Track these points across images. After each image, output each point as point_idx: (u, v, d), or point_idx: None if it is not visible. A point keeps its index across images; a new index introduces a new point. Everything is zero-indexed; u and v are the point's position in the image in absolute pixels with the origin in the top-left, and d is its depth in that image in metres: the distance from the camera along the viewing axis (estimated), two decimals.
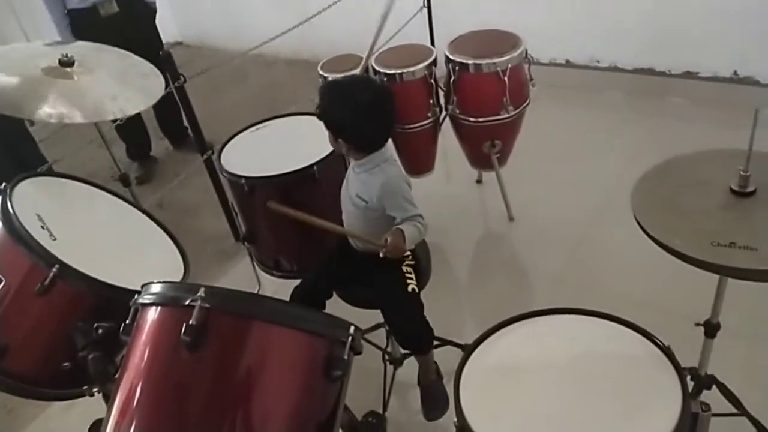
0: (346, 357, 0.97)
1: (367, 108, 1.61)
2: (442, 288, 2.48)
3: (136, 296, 0.99)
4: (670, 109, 3.30)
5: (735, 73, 3.17)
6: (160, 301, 0.95)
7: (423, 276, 1.87)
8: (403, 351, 2.06)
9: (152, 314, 0.96)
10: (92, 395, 1.25)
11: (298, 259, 2.32)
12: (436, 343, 2.06)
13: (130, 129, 3.37)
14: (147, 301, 0.96)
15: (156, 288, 0.96)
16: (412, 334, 1.76)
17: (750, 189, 1.25)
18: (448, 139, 2.76)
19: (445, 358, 2.04)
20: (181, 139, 3.71)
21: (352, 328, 0.99)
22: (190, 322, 0.87)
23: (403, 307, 1.73)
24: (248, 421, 0.90)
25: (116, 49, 1.84)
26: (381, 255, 1.58)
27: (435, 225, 2.77)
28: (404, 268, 1.78)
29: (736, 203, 1.25)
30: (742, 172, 1.24)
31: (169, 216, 3.02)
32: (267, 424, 0.91)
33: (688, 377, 1.53)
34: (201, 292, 0.89)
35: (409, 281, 1.75)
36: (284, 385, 0.94)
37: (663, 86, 3.36)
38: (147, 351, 0.93)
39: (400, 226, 1.63)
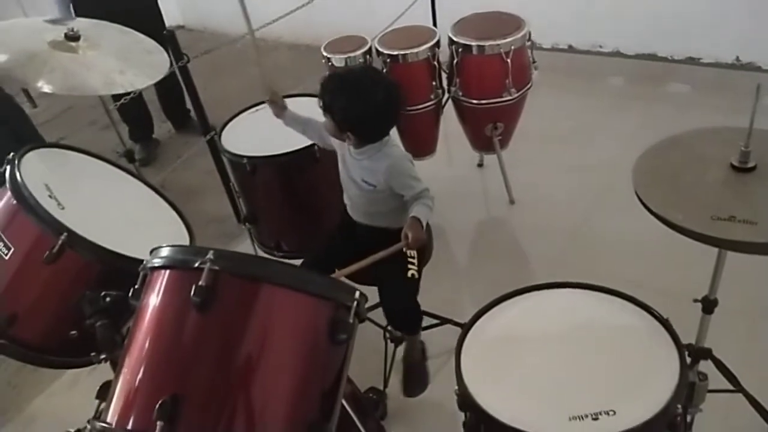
0: (351, 321, 0.99)
1: (380, 105, 1.62)
2: (443, 269, 2.50)
3: (145, 261, 1.00)
4: (672, 94, 3.31)
5: (737, 59, 3.18)
6: (170, 264, 0.96)
7: (424, 259, 1.89)
8: None
9: (162, 277, 0.97)
10: (100, 362, 1.27)
11: (299, 240, 2.35)
12: (435, 321, 2.10)
13: (133, 111, 3.36)
14: (157, 264, 0.97)
15: (165, 251, 0.98)
16: (403, 316, 1.81)
17: (750, 165, 1.26)
18: (449, 122, 2.77)
19: (444, 336, 2.07)
20: (183, 122, 3.72)
21: (357, 293, 1.01)
22: (200, 283, 0.89)
23: (399, 291, 1.76)
24: (256, 380, 0.92)
25: (118, 25, 1.85)
26: (405, 251, 1.61)
27: (436, 208, 2.79)
28: (408, 252, 1.80)
29: (737, 179, 1.26)
30: (742, 148, 1.26)
31: (172, 197, 3.03)
32: (274, 383, 0.93)
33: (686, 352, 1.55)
34: (210, 255, 0.91)
35: (410, 266, 1.77)
36: (291, 346, 0.95)
37: (665, 72, 3.37)
38: (157, 313, 0.95)
39: (413, 214, 1.63)
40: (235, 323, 0.92)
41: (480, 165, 3.04)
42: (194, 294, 0.89)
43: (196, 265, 0.91)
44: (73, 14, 3.05)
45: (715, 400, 1.70)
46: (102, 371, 1.76)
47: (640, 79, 3.42)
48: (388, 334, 2.11)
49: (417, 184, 1.70)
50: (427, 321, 2.05)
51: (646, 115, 3.11)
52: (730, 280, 1.58)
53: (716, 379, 1.68)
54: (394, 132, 2.50)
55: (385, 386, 2.03)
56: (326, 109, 1.65)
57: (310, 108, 2.32)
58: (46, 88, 1.52)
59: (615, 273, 2.30)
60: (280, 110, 1.94)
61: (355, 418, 1.38)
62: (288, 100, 2.41)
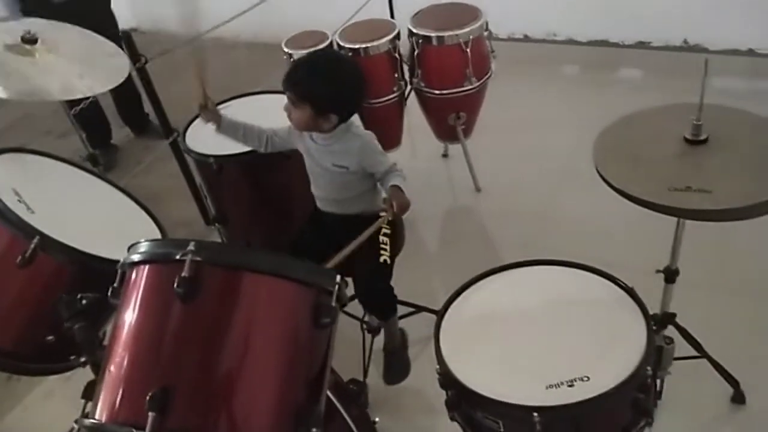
0: (333, 305, 1.01)
1: (354, 78, 1.68)
2: (414, 259, 2.52)
3: (123, 258, 1.00)
4: (625, 78, 3.42)
5: (685, 41, 3.31)
6: (151, 258, 0.96)
7: (397, 246, 1.92)
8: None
9: (143, 272, 0.97)
10: (80, 366, 1.26)
11: (270, 238, 2.34)
12: (410, 310, 2.13)
13: (89, 117, 3.29)
14: (136, 260, 0.97)
15: (144, 247, 0.98)
16: (377, 302, 1.85)
17: (702, 137, 1.33)
18: (413, 114, 2.81)
19: (420, 324, 2.10)
20: (142, 126, 3.66)
21: (338, 277, 1.03)
22: (183, 275, 0.89)
23: (372, 277, 1.79)
24: (243, 367, 0.93)
25: (78, 28, 1.81)
26: (390, 218, 1.62)
27: None
28: (381, 238, 1.83)
29: (691, 151, 1.33)
30: (694, 122, 1.32)
31: None
32: (261, 369, 0.94)
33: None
34: (191, 246, 0.91)
35: (383, 252, 1.80)
36: (276, 331, 0.97)
37: (617, 57, 3.48)
38: (140, 307, 0.95)
39: (392, 183, 1.68)
40: (220, 312, 0.93)
41: (445, 155, 3.09)
42: (177, 285, 0.89)
43: (178, 257, 0.91)
44: (20, 14, 2.96)
45: (681, 367, 1.79)
46: (76, 381, 1.74)
47: (594, 65, 3.52)
48: (365, 325, 2.14)
49: (386, 160, 1.75)
50: (402, 310, 2.09)
51: (602, 99, 3.20)
52: (691, 253, 1.66)
53: (682, 347, 1.77)
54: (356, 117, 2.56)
55: (365, 377, 2.06)
56: (303, 98, 1.63)
57: (270, 105, 2.34)
58: (2, 94, 1.48)
59: (581, 252, 2.37)
60: (214, 117, 1.86)
61: (339, 406, 1.40)
62: (247, 99, 2.42)
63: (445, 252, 2.72)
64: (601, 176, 1.34)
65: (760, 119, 1.37)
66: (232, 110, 2.35)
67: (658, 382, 1.74)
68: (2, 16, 1.70)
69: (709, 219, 1.24)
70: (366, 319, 2.14)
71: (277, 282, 0.96)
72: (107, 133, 3.58)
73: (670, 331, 1.72)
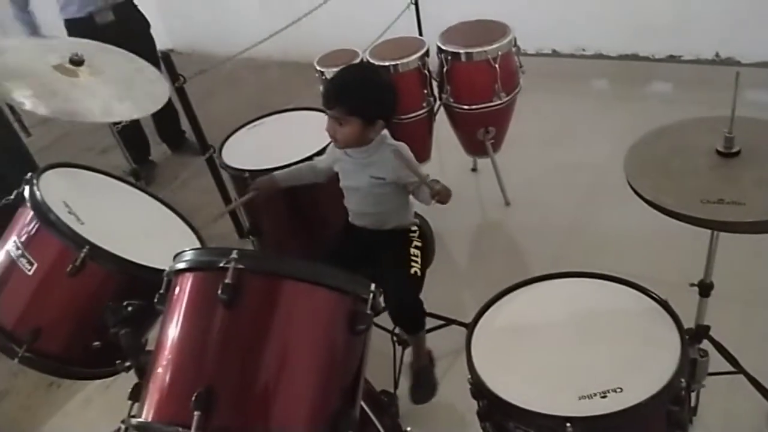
0: (368, 312, 1.04)
1: (389, 81, 1.85)
2: (443, 273, 2.55)
3: (169, 266, 1.05)
4: (655, 92, 3.41)
5: (717, 54, 3.28)
6: (195, 266, 1.01)
7: (427, 259, 1.94)
8: None
9: (188, 279, 1.02)
10: (125, 371, 1.31)
11: (302, 251, 2.39)
12: (440, 323, 2.14)
13: (129, 134, 3.41)
14: (182, 267, 1.02)
15: (189, 255, 1.03)
16: (407, 314, 1.85)
17: (735, 150, 1.33)
18: (442, 129, 2.84)
19: (449, 338, 2.11)
20: (179, 143, 3.77)
21: (372, 286, 1.07)
22: (226, 281, 0.94)
23: (403, 289, 1.80)
24: (283, 370, 0.97)
25: (124, 51, 1.90)
26: (434, 201, 1.68)
27: (433, 213, 2.85)
28: (412, 250, 1.87)
29: (723, 164, 1.33)
30: (726, 134, 1.32)
31: None
32: (300, 373, 0.98)
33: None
34: (234, 254, 0.96)
35: (413, 264, 1.83)
36: (314, 336, 1.01)
37: (648, 71, 3.46)
38: (185, 312, 1.00)
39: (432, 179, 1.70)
40: (261, 318, 0.97)
41: (474, 169, 3.11)
42: (221, 292, 0.94)
43: (221, 264, 0.96)
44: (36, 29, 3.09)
45: (716, 382, 1.76)
46: (115, 389, 1.79)
47: (624, 79, 3.52)
48: (395, 338, 2.16)
49: (420, 170, 1.76)
50: (432, 323, 2.10)
51: (631, 113, 3.19)
52: (725, 266, 1.64)
53: (717, 363, 1.75)
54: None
55: (396, 388, 2.07)
56: (352, 112, 1.67)
57: (300, 121, 2.40)
58: (45, 112, 1.55)
59: (612, 266, 2.37)
60: (271, 185, 2.01)
61: (372, 416, 1.42)
62: (292, 114, 2.49)
63: (474, 266, 2.73)
64: (632, 189, 1.35)
65: None
66: (265, 127, 2.45)
67: (693, 396, 1.72)
68: (51, 37, 1.79)
69: (743, 231, 1.24)
70: (396, 331, 2.17)
71: (316, 289, 1.00)
72: (146, 149, 3.70)
73: (705, 345, 1.70)
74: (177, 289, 1.03)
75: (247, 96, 4.46)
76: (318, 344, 1.00)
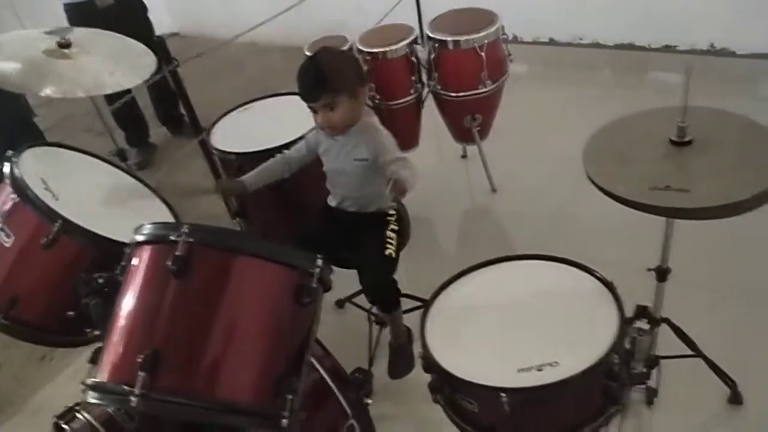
0: (314, 285, 1.11)
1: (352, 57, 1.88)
2: (430, 257, 2.62)
3: (130, 240, 1.12)
4: (651, 82, 3.41)
5: (711, 45, 3.28)
6: (151, 239, 1.09)
7: (402, 241, 1.99)
8: None
9: (144, 251, 1.10)
10: (97, 340, 1.39)
11: (288, 231, 2.45)
12: (420, 304, 2.20)
13: (128, 116, 3.51)
14: (140, 239, 1.10)
15: (147, 228, 1.10)
16: (381, 294, 1.90)
17: (687, 139, 1.36)
18: (433, 116, 2.88)
19: None
20: (178, 126, 3.84)
21: (319, 260, 1.13)
22: (176, 253, 1.01)
23: (377, 270, 1.86)
24: (228, 338, 1.04)
25: (109, 32, 1.97)
26: (389, 192, 1.62)
27: (422, 199, 2.92)
28: (388, 233, 1.92)
29: (676, 152, 1.37)
30: (679, 123, 1.36)
31: (169, 198, 3.16)
32: (245, 341, 1.05)
33: (645, 320, 1.66)
34: (185, 228, 1.03)
35: (389, 246, 1.88)
36: (260, 308, 1.08)
37: (643, 60, 3.47)
38: (139, 281, 1.07)
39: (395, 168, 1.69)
40: (209, 288, 1.04)
41: (463, 156, 3.16)
42: (171, 263, 1.01)
43: (173, 238, 1.03)
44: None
45: (678, 366, 1.82)
46: None
47: (620, 68, 3.53)
48: (372, 317, 2.23)
49: (396, 150, 1.81)
50: (413, 304, 2.16)
51: (626, 102, 3.19)
52: (691, 253, 1.68)
53: (678, 347, 1.79)
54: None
55: (370, 365, 2.14)
56: (339, 91, 1.72)
57: (290, 105, 2.45)
58: (45, 92, 1.65)
59: (589, 254, 2.43)
60: (236, 187, 1.99)
61: (335, 389, 1.49)
62: (282, 98, 2.54)
63: (460, 250, 2.78)
64: (588, 177, 1.40)
65: (746, 121, 1.40)
66: (254, 111, 2.51)
67: (654, 378, 1.77)
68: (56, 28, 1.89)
69: (688, 217, 1.28)
70: (373, 310, 2.23)
71: (263, 263, 1.06)
72: (145, 131, 3.78)
73: (665, 329, 1.75)
74: (135, 260, 1.10)
75: (248, 80, 4.52)
76: (264, 315, 1.07)
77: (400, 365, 2.08)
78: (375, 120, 1.91)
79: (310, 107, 1.79)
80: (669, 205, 1.25)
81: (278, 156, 2.02)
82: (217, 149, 2.30)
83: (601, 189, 1.35)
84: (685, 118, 1.37)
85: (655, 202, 1.26)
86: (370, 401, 1.57)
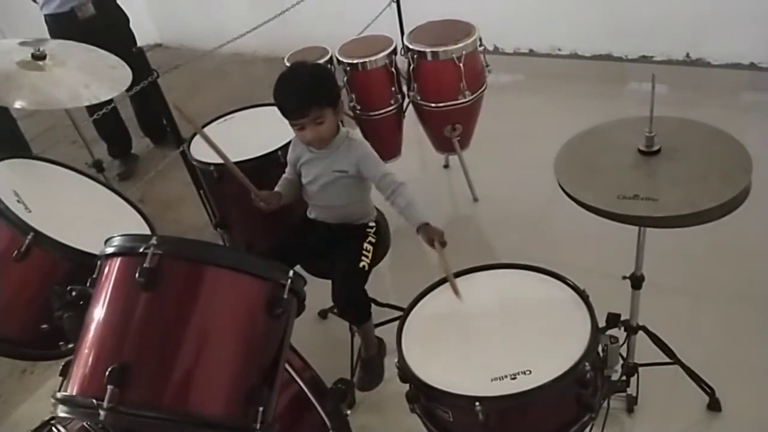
0: (285, 296, 1.11)
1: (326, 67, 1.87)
2: (413, 266, 2.62)
3: (100, 252, 1.12)
4: (628, 92, 3.46)
5: (687, 55, 3.33)
6: (119, 251, 1.08)
7: (379, 253, 1.99)
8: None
9: (114, 263, 1.09)
10: (68, 353, 1.38)
11: (269, 242, 2.45)
12: (400, 314, 2.20)
13: (109, 127, 3.50)
14: (108, 252, 1.09)
15: (116, 240, 1.10)
16: (350, 306, 1.90)
17: (655, 148, 1.39)
18: (415, 127, 2.90)
19: None
20: (161, 137, 3.84)
21: (291, 272, 1.13)
22: (144, 265, 1.01)
23: (348, 282, 1.85)
24: (199, 350, 1.04)
25: (83, 44, 1.97)
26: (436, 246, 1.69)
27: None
28: (365, 245, 1.92)
29: (644, 162, 1.39)
30: (647, 133, 1.38)
31: (151, 209, 3.13)
32: (216, 353, 1.05)
33: (622, 328, 1.68)
34: (153, 240, 1.03)
35: (363, 258, 1.88)
36: (231, 319, 1.07)
37: (621, 71, 3.52)
38: (108, 294, 1.07)
39: (421, 220, 1.77)
40: (178, 300, 1.03)
41: (446, 166, 3.18)
42: (139, 275, 1.00)
43: (141, 250, 1.03)
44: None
45: (658, 373, 1.83)
46: None
47: (598, 79, 3.57)
48: (353, 328, 2.23)
49: (382, 165, 1.83)
50: (394, 314, 2.16)
51: (604, 113, 3.19)
52: (669, 261, 1.69)
53: (657, 355, 1.81)
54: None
55: (352, 376, 2.14)
56: (325, 104, 1.72)
57: (270, 116, 2.45)
58: (17, 104, 1.65)
59: (569, 262, 2.45)
60: (275, 199, 1.89)
61: (314, 400, 1.49)
62: (262, 109, 2.54)
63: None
64: (560, 185, 1.42)
65: (713, 130, 1.42)
66: (234, 122, 2.51)
67: (634, 386, 1.79)
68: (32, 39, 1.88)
69: (656, 225, 1.30)
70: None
71: (233, 275, 1.06)
72: (127, 142, 3.77)
73: (641, 336, 1.77)
74: (104, 273, 1.10)
75: (231, 90, 4.53)
76: (235, 326, 1.07)
77: (368, 378, 2.07)
78: (357, 131, 1.91)
79: (295, 124, 1.77)
80: (637, 214, 1.27)
81: (284, 180, 1.99)
82: (196, 160, 2.30)
83: (571, 197, 1.37)
84: (654, 128, 1.39)
85: (623, 211, 1.28)
86: (349, 412, 1.56)
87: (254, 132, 2.40)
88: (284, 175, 2.00)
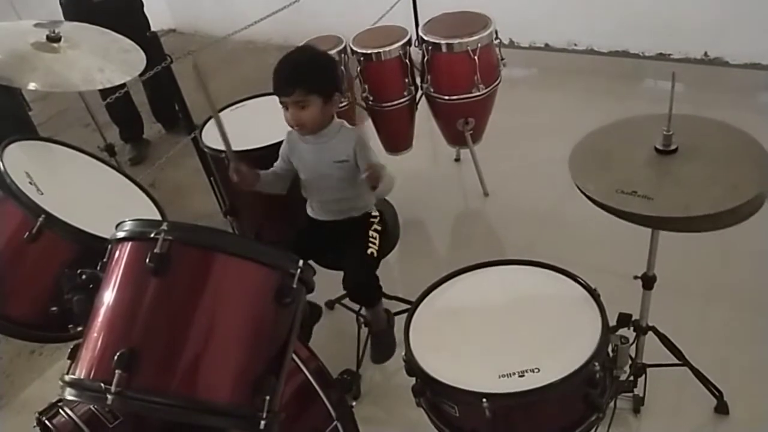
0: (294, 286, 1.10)
1: (330, 56, 1.86)
2: (423, 260, 2.63)
3: (110, 236, 1.12)
4: (644, 89, 3.42)
5: (705, 54, 3.29)
6: (131, 236, 1.08)
7: (387, 243, 1.99)
8: None
9: (124, 248, 1.09)
10: (77, 336, 1.38)
11: (278, 230, 2.45)
12: (407, 307, 2.20)
13: (122, 111, 3.50)
14: (119, 237, 1.09)
15: (127, 225, 1.10)
16: (362, 292, 1.93)
17: (672, 147, 1.36)
18: (428, 119, 2.88)
19: None
20: (173, 123, 3.83)
21: (300, 262, 1.13)
22: (155, 251, 1.00)
23: (358, 268, 1.87)
24: (207, 337, 1.04)
25: (97, 27, 1.97)
26: (364, 177, 1.66)
27: (416, 200, 2.93)
28: (371, 233, 1.92)
29: (658, 160, 1.36)
30: (664, 132, 1.36)
31: (162, 195, 3.13)
32: (224, 340, 1.05)
33: (631, 328, 1.66)
34: (164, 226, 1.02)
35: (371, 245, 1.88)
36: (239, 307, 1.07)
37: (637, 68, 3.48)
38: (118, 278, 1.07)
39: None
40: (188, 286, 1.03)
41: (457, 160, 3.16)
42: (149, 260, 1.00)
43: (152, 235, 1.02)
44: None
45: (665, 374, 1.82)
46: None
47: (614, 75, 3.53)
48: (361, 318, 2.23)
49: (375, 156, 1.81)
50: (402, 306, 2.16)
51: (620, 109, 3.17)
52: (682, 262, 1.67)
53: (665, 356, 1.79)
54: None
55: (358, 367, 2.14)
56: (311, 90, 1.70)
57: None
58: (31, 86, 1.65)
59: (578, 259, 2.43)
60: (252, 179, 1.88)
61: (319, 390, 1.49)
62: (265, 98, 2.53)
63: (452, 253, 2.78)
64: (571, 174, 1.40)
65: (737, 132, 1.38)
66: (246, 109, 2.51)
67: (641, 387, 1.77)
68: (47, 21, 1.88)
69: (645, 224, 1.28)
70: (362, 312, 2.23)
71: (243, 263, 1.06)
72: (139, 127, 3.78)
73: (650, 337, 1.75)
74: (115, 257, 1.10)
75: (244, 78, 4.51)
76: (243, 314, 1.07)
77: (381, 350, 2.11)
78: (368, 122, 1.90)
79: (281, 102, 1.77)
80: (628, 210, 1.24)
81: (270, 171, 1.97)
82: (208, 147, 2.30)
83: (578, 187, 1.35)
84: (674, 127, 1.36)
85: (617, 205, 1.26)
86: (354, 403, 1.56)
87: (266, 120, 2.37)
88: (272, 169, 1.97)
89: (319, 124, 1.80)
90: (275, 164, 1.98)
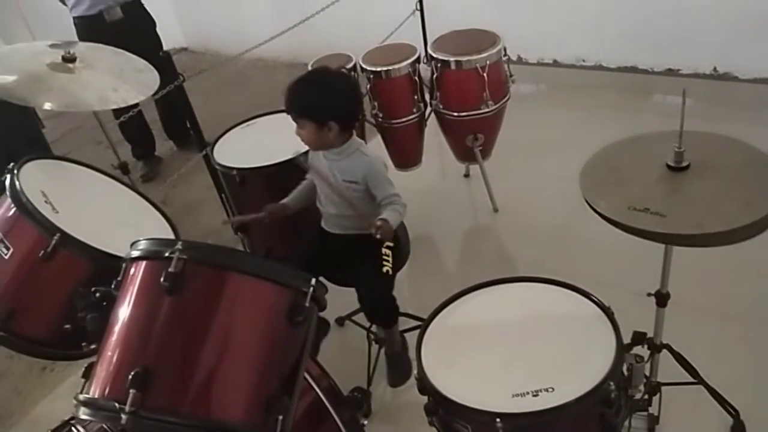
0: (307, 305, 1.10)
1: (347, 87, 1.85)
2: (433, 276, 2.62)
3: (125, 254, 1.13)
4: (653, 105, 3.42)
5: (714, 69, 3.29)
6: (145, 255, 1.09)
7: (400, 259, 1.99)
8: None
9: (139, 267, 1.10)
10: (92, 354, 1.38)
11: (288, 247, 2.45)
12: (418, 323, 2.20)
13: (133, 129, 3.54)
14: (134, 256, 1.10)
15: (142, 244, 1.11)
16: (379, 311, 1.93)
17: (684, 164, 1.35)
18: (438, 136, 2.89)
19: None
20: (184, 140, 3.87)
21: (313, 281, 1.13)
22: (169, 270, 1.01)
23: (374, 287, 1.87)
24: (220, 356, 1.04)
25: (111, 47, 2.00)
26: (374, 234, 1.69)
27: (425, 216, 2.93)
28: (383, 251, 1.92)
29: (670, 177, 1.35)
30: (675, 149, 1.36)
31: (173, 211, 3.16)
32: (237, 359, 1.05)
33: (645, 346, 1.64)
34: (179, 245, 1.03)
35: (384, 263, 1.88)
36: (253, 326, 1.07)
37: (646, 84, 3.48)
38: (132, 297, 1.07)
39: (383, 217, 1.75)
40: (202, 306, 1.04)
41: (466, 175, 3.16)
42: (164, 279, 1.01)
43: (167, 254, 1.03)
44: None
45: (681, 393, 1.79)
46: None
47: (623, 91, 3.53)
48: (371, 335, 2.22)
49: (390, 187, 1.83)
50: (413, 323, 2.15)
51: (629, 125, 3.16)
52: (694, 279, 1.65)
53: (680, 374, 1.77)
54: (378, 142, 2.65)
55: (369, 385, 2.13)
56: (302, 114, 1.76)
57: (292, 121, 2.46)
58: (46, 106, 1.68)
59: (590, 276, 2.41)
60: (282, 210, 1.98)
61: (330, 409, 1.48)
62: (275, 116, 2.56)
63: (462, 269, 2.77)
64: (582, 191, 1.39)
65: (751, 150, 1.37)
66: (257, 127, 2.53)
67: (656, 405, 1.75)
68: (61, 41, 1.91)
69: (658, 240, 1.26)
70: (373, 328, 2.23)
71: (256, 282, 1.07)
72: (151, 144, 3.81)
73: (665, 355, 1.73)
74: (129, 276, 1.11)
75: (253, 96, 4.56)
76: (256, 334, 1.07)
77: (399, 372, 2.09)
78: (361, 143, 1.90)
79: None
80: (641, 227, 1.23)
81: (303, 183, 2.03)
82: (219, 164, 2.32)
83: (588, 204, 1.35)
84: (685, 143, 1.36)
85: (630, 223, 1.24)
86: (365, 422, 1.55)
87: (277, 137, 2.39)
88: (305, 181, 2.03)
89: (318, 144, 1.84)
90: (307, 175, 2.02)
